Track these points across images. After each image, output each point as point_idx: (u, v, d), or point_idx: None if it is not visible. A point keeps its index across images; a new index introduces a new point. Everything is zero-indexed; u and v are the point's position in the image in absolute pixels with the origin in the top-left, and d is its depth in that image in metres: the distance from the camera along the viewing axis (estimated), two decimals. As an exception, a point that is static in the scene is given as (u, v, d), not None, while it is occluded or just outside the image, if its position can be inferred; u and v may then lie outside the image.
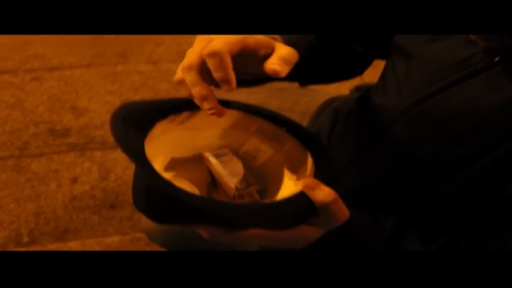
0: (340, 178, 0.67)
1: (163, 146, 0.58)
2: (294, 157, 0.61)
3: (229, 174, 0.58)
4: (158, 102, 0.58)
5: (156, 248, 0.88)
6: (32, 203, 1.45)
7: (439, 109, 0.60)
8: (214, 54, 0.48)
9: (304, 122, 0.89)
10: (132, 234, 1.38)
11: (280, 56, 0.51)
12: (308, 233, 0.53)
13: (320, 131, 0.83)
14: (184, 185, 0.58)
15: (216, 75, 0.49)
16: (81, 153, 1.59)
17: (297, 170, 0.60)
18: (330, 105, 0.88)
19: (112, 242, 1.35)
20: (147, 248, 1.32)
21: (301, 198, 0.51)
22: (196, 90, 0.51)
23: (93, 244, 1.35)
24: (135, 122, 0.53)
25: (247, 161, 0.62)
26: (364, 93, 0.79)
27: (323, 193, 0.51)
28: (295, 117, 0.68)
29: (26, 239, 1.37)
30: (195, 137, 0.61)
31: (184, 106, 0.58)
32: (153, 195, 0.51)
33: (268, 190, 0.60)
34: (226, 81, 0.48)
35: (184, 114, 0.59)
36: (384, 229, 0.57)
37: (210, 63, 0.48)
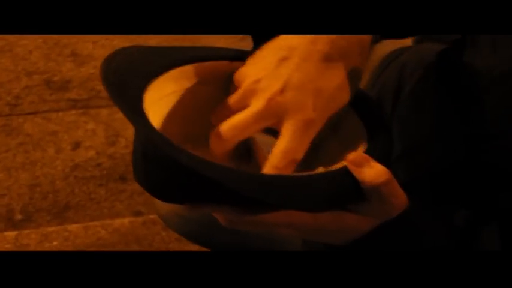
0: (402, 157, 0.68)
1: (172, 108, 0.59)
2: (346, 129, 0.60)
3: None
4: (176, 49, 0.59)
5: (174, 235, 0.92)
6: (25, 172, 1.46)
7: None
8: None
9: (362, 81, 0.81)
10: (146, 214, 1.38)
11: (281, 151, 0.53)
12: (353, 223, 0.53)
13: (382, 93, 0.80)
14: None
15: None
16: (84, 111, 1.60)
17: (349, 146, 0.59)
18: (397, 58, 0.83)
19: (121, 225, 1.35)
20: (164, 234, 1.33)
21: (342, 175, 0.50)
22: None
23: (98, 228, 1.36)
24: (136, 70, 0.54)
25: None
26: (445, 47, 0.75)
27: (373, 171, 0.50)
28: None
29: (18, 217, 1.39)
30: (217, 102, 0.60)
31: (214, 57, 0.59)
32: (150, 161, 0.51)
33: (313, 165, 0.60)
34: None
35: (210, 65, 0.60)
36: (454, 224, 0.57)
37: None
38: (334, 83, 0.54)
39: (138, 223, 1.37)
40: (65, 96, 1.63)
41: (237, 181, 0.46)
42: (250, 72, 0.55)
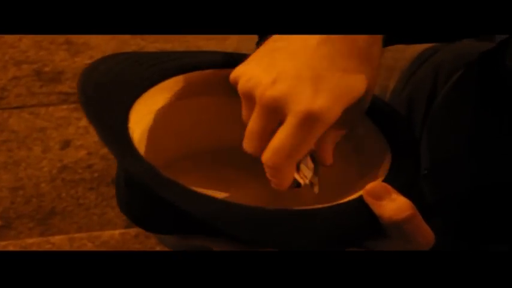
0: (430, 173, 0.67)
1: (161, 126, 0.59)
2: (367, 148, 0.60)
3: None
4: (165, 55, 0.60)
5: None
6: (7, 173, 1.45)
7: None
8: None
9: (391, 82, 0.84)
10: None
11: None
12: None
13: (414, 97, 0.79)
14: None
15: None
16: (77, 106, 1.59)
17: (369, 166, 0.59)
18: (432, 57, 0.82)
19: (111, 237, 1.35)
20: (158, 249, 1.34)
21: (357, 208, 0.50)
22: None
23: (84, 240, 1.35)
24: (122, 82, 0.55)
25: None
26: (490, 47, 0.72)
27: (394, 206, 0.49)
28: (378, 76, 0.66)
29: None
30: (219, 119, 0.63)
31: (211, 64, 0.61)
32: (133, 190, 0.53)
33: (327, 190, 0.59)
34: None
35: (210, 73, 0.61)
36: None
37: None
38: (340, 67, 0.51)
39: (130, 236, 1.36)
40: (56, 89, 1.61)
41: (227, 221, 0.46)
42: (242, 72, 0.54)
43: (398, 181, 0.53)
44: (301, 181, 0.57)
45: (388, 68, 0.84)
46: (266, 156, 0.50)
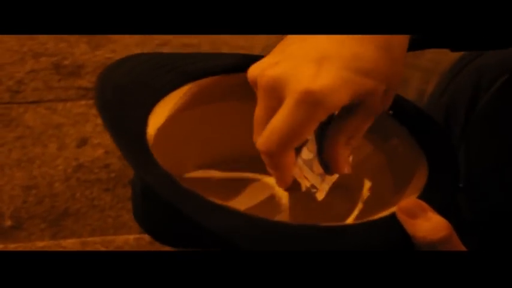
0: (468, 187, 0.66)
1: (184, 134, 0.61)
2: (402, 159, 0.61)
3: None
4: (186, 57, 0.61)
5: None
6: (21, 170, 1.45)
7: None
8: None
9: (429, 86, 0.84)
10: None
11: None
12: None
13: (453, 104, 0.78)
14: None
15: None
16: None
17: (404, 180, 0.58)
18: (474, 61, 0.80)
19: (125, 242, 1.34)
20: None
21: (388, 226, 0.49)
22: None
23: (97, 245, 1.35)
24: (142, 85, 0.56)
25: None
26: None
27: (429, 226, 0.48)
28: (415, 78, 0.71)
29: (8, 223, 1.37)
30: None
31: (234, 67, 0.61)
32: (150, 201, 0.53)
33: (361, 205, 0.61)
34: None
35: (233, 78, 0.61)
36: None
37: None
38: (351, 50, 0.49)
39: (145, 241, 1.35)
40: (75, 84, 1.62)
41: (249, 237, 0.46)
42: (259, 65, 0.52)
43: (435, 198, 0.52)
44: (300, 181, 0.56)
45: (426, 71, 0.84)
46: (260, 141, 0.49)
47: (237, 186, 0.64)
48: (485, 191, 0.68)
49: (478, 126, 0.73)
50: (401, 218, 0.49)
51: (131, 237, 1.36)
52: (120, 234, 1.37)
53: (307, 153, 0.57)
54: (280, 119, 0.48)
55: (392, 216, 0.50)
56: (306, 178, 0.57)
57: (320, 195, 0.58)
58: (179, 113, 0.59)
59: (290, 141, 0.49)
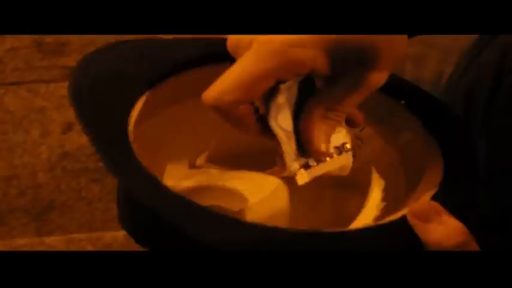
0: (489, 180, 0.65)
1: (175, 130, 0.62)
2: (416, 155, 0.60)
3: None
4: (174, 44, 0.62)
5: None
6: (0, 160, 1.45)
7: None
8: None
9: (447, 67, 0.83)
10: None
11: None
12: None
13: (474, 86, 0.76)
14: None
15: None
16: None
17: (418, 177, 0.58)
18: (497, 38, 0.78)
19: (113, 239, 1.35)
20: None
21: (398, 231, 0.49)
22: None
23: (84, 242, 1.36)
24: (121, 79, 0.56)
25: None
26: None
27: (443, 230, 0.48)
28: (432, 57, 0.75)
29: None
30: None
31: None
32: (134, 205, 0.54)
33: (373, 206, 0.60)
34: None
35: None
36: None
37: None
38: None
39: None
40: (59, 63, 1.54)
41: (240, 244, 0.47)
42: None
43: (451, 199, 0.52)
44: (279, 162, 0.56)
45: (443, 50, 0.84)
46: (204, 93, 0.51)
47: (235, 183, 0.64)
48: (507, 186, 0.67)
49: (501, 113, 0.72)
50: (413, 222, 0.49)
51: (120, 233, 1.36)
52: (109, 229, 1.39)
53: (286, 124, 0.57)
54: (231, 68, 0.50)
55: (403, 219, 0.49)
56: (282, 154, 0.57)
57: (301, 179, 0.57)
58: (168, 107, 0.60)
59: (239, 94, 0.50)
